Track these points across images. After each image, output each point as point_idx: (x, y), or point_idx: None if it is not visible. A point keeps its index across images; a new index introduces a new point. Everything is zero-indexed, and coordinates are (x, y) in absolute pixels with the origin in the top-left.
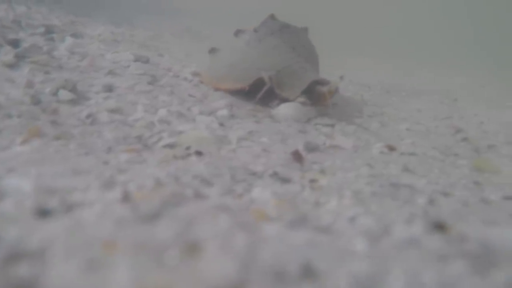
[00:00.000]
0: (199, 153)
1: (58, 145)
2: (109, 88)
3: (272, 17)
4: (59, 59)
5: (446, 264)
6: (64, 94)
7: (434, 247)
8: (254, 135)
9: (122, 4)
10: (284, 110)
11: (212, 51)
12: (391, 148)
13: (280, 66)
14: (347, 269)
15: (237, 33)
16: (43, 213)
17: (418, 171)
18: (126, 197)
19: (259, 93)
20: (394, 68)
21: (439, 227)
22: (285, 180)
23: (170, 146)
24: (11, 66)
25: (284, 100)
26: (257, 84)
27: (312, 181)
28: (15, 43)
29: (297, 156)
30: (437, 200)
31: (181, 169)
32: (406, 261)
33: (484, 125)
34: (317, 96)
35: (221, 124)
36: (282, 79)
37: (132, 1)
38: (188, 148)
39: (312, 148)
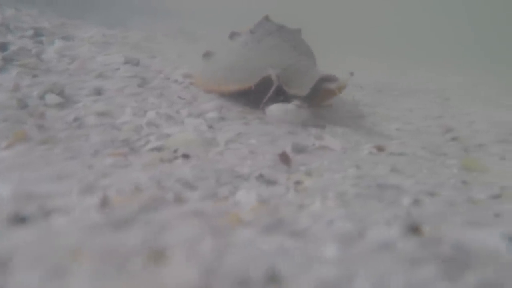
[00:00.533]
0: (186, 156)
1: (44, 150)
2: (98, 91)
3: (267, 18)
4: (48, 62)
5: (417, 268)
6: (52, 98)
7: (407, 250)
8: (242, 137)
9: (116, 5)
10: (274, 112)
11: (206, 55)
12: (380, 149)
13: (285, 64)
14: (313, 275)
15: (232, 35)
16: (19, 220)
17: (407, 171)
18: (104, 203)
19: (268, 92)
20: (389, 68)
21: (415, 229)
22: (271, 182)
23: (158, 149)
24: None
25: (293, 97)
26: (263, 84)
27: (297, 183)
28: (3, 46)
29: (284, 158)
30: (423, 201)
31: (166, 172)
32: (376, 265)
33: (475, 124)
34: (323, 93)
35: (210, 127)
36: (289, 77)
37: (125, 3)
38: (175, 151)
39: (300, 149)
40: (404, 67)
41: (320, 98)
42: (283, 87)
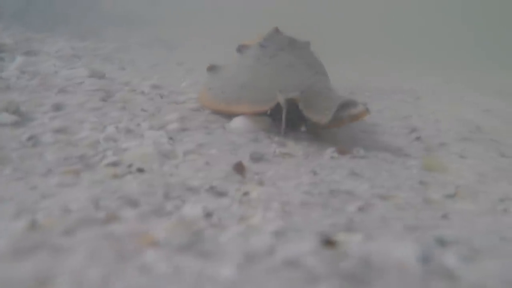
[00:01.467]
0: (140, 170)
1: None
2: (58, 107)
3: (277, 30)
4: (7, 80)
5: (313, 286)
6: (6, 117)
7: (311, 267)
8: (203, 148)
9: (90, 16)
10: (237, 123)
11: (211, 69)
12: (343, 152)
13: (302, 86)
14: None
15: (240, 49)
16: None
17: (366, 174)
18: (31, 227)
19: (282, 122)
20: (367, 68)
21: (329, 243)
22: (221, 194)
23: (113, 164)
24: None
25: (314, 125)
26: (280, 106)
27: (245, 194)
28: None
29: (238, 168)
30: (372, 206)
31: (111, 190)
32: (268, 286)
33: (440, 122)
34: (342, 119)
35: (170, 138)
36: (309, 101)
37: (100, 13)
38: (130, 165)
39: (258, 158)
40: (383, 67)
41: (335, 123)
42: (304, 112)
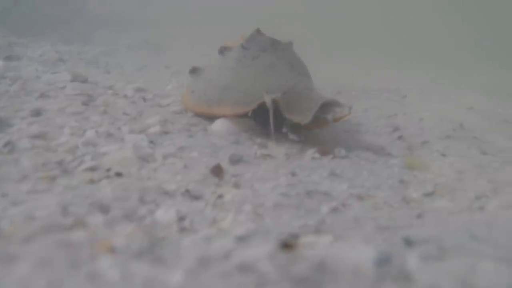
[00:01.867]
0: (119, 175)
1: None
2: (37, 112)
3: (259, 31)
4: None
5: None
6: None
7: (264, 271)
8: (184, 151)
9: (76, 19)
10: (218, 125)
11: (194, 71)
12: (324, 153)
13: (284, 87)
14: None
15: (222, 50)
16: None
17: (346, 174)
18: None
19: (270, 124)
20: (356, 68)
21: (288, 246)
22: (196, 197)
23: (91, 169)
24: None
25: (296, 125)
26: (262, 107)
27: (220, 196)
28: None
29: (216, 171)
30: (348, 206)
31: (83, 195)
32: None
33: (423, 121)
34: (321, 121)
35: (151, 142)
36: (290, 102)
37: (87, 16)
38: (108, 170)
39: (237, 160)
40: (372, 67)
41: (316, 124)
42: (285, 114)
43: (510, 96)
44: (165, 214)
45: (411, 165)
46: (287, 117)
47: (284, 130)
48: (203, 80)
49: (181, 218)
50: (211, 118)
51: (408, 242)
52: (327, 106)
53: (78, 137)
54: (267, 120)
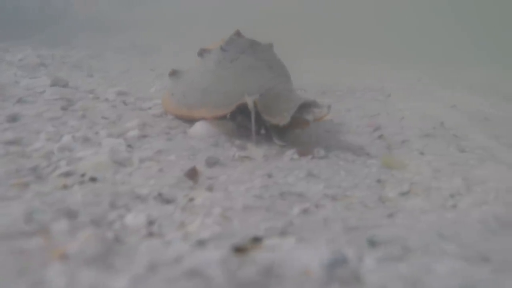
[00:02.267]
0: (93, 180)
1: None
2: (14, 118)
3: (238, 34)
4: None
5: None
6: None
7: (212, 276)
8: (162, 154)
9: (61, 23)
10: (198, 127)
11: (174, 74)
12: (303, 154)
13: (263, 88)
14: None
15: (202, 53)
16: None
17: (323, 175)
18: None
19: (252, 126)
20: (340, 68)
21: (240, 250)
22: (168, 201)
23: (66, 174)
24: None
25: (275, 127)
26: (240, 109)
27: (191, 200)
28: None
29: (191, 174)
30: (321, 207)
31: (51, 201)
32: None
33: (404, 120)
34: (300, 121)
35: (129, 146)
36: (268, 103)
37: (72, 20)
38: (83, 175)
39: (214, 162)
40: (360, 66)
41: (296, 125)
42: (262, 115)
43: (494, 93)
44: (134, 218)
45: (389, 164)
46: (265, 119)
47: (263, 131)
48: (183, 82)
49: (150, 223)
50: (191, 121)
51: (372, 243)
52: (306, 107)
53: (54, 143)
54: (246, 122)
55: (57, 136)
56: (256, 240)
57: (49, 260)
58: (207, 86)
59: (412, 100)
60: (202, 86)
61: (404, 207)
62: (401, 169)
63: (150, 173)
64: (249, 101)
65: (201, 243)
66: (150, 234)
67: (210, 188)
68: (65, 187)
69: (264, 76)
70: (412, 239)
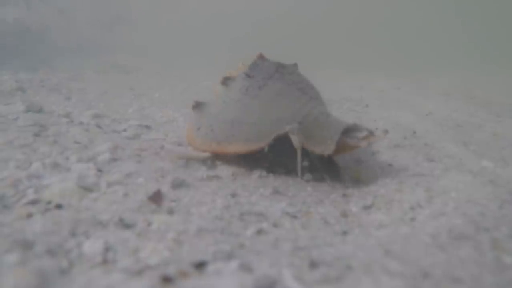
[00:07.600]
0: (59, 207)
1: None
2: None
3: (261, 57)
4: None
5: None
6: None
7: None
8: (131, 177)
9: (40, 48)
10: (168, 148)
11: (197, 106)
12: (272, 171)
13: (298, 115)
14: None
15: (226, 81)
16: None
17: (289, 191)
18: None
19: (297, 159)
20: (322, 79)
21: (167, 280)
22: (128, 226)
23: (32, 202)
24: None
25: (318, 156)
26: (277, 140)
27: (149, 224)
28: None
29: (155, 197)
30: (277, 227)
31: (8, 232)
32: None
33: (378, 130)
34: (345, 147)
35: (99, 170)
36: (308, 132)
37: (52, 45)
38: (49, 203)
39: (179, 184)
40: (337, 76)
41: (341, 151)
42: (305, 146)
43: (469, 99)
44: (92, 246)
45: (357, 178)
46: (307, 149)
47: (305, 163)
48: (208, 115)
49: (106, 249)
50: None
51: (313, 264)
52: (348, 131)
53: (23, 170)
54: (283, 151)
55: (26, 163)
56: (201, 265)
57: None
58: (236, 117)
59: (388, 109)
60: (231, 117)
61: (363, 222)
62: (366, 183)
63: (115, 198)
64: (294, 139)
65: (139, 273)
66: (104, 261)
67: (170, 212)
68: (29, 216)
69: (297, 101)
70: (357, 257)
